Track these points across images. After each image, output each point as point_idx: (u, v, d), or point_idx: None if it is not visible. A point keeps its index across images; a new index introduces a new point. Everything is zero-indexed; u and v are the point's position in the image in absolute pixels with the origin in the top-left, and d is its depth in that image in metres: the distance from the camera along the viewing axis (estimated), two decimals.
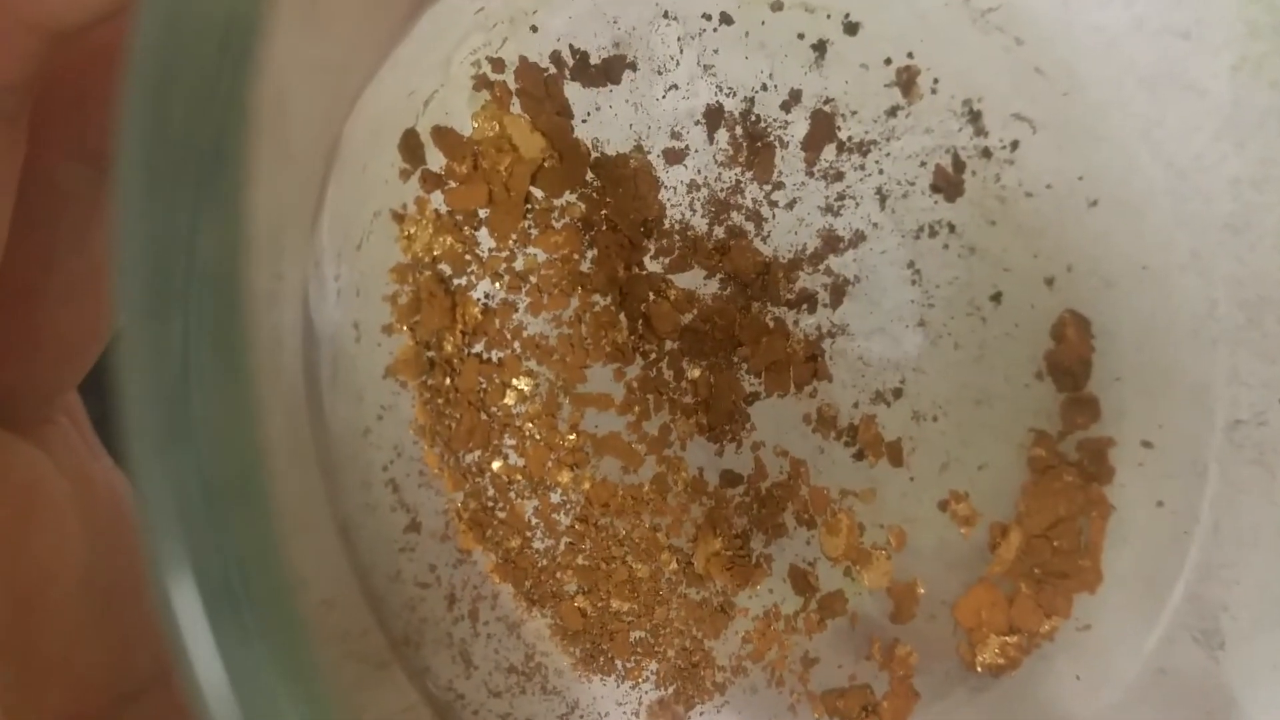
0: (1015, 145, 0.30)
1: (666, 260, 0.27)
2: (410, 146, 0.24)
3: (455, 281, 0.25)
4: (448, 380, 0.24)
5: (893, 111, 0.29)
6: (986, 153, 0.30)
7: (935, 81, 0.29)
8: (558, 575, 0.25)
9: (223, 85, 0.11)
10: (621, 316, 0.26)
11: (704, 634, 0.27)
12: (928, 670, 0.29)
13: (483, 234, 0.25)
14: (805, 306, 0.28)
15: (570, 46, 0.26)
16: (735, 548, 0.27)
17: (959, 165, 0.29)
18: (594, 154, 0.26)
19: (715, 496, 0.27)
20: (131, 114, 0.11)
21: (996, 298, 0.30)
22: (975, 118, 0.29)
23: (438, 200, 0.24)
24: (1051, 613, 0.29)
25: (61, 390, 0.18)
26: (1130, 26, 0.29)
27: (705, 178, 0.27)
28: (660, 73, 0.27)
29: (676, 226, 0.27)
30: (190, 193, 0.11)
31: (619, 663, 0.26)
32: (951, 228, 0.29)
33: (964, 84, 0.29)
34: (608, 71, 0.26)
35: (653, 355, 0.26)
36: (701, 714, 0.27)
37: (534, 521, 0.25)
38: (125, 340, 0.11)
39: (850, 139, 0.29)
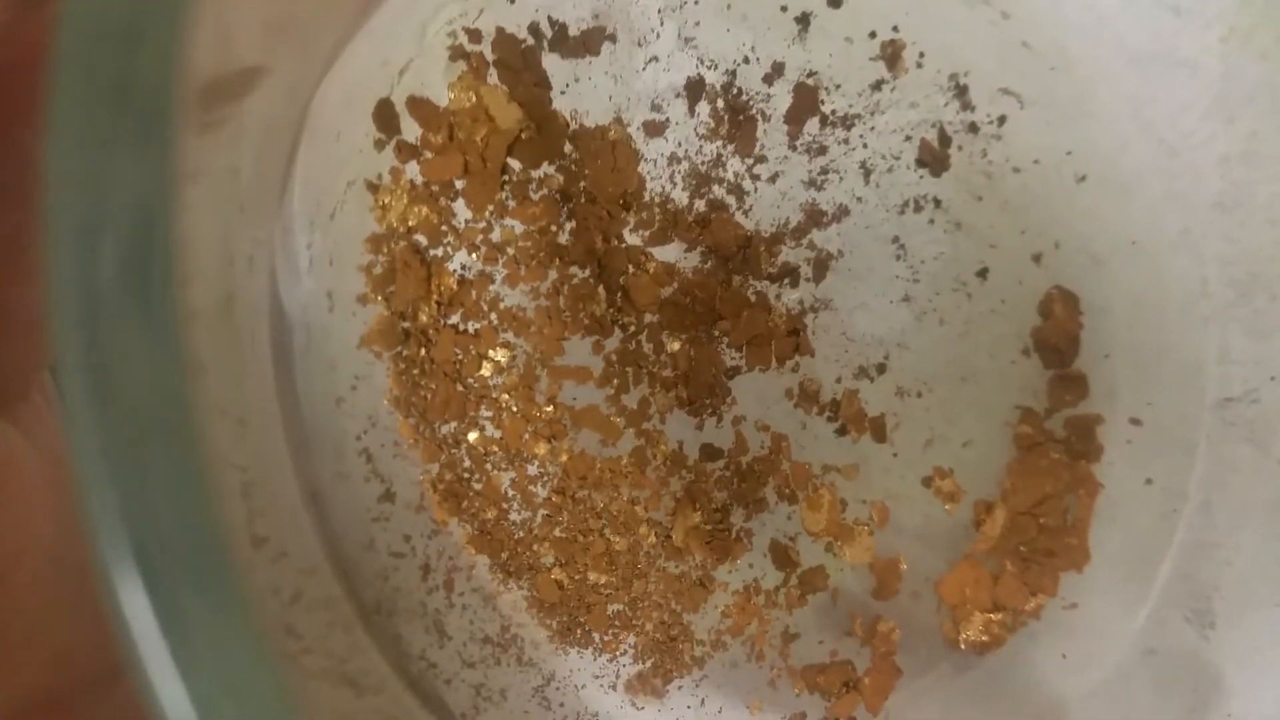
0: (1002, 120, 0.29)
1: (646, 233, 0.26)
2: (384, 116, 0.24)
3: (431, 253, 0.25)
4: (423, 351, 0.24)
5: (877, 85, 0.29)
6: (973, 128, 0.29)
7: (921, 55, 0.29)
8: (534, 547, 0.25)
9: (153, 34, 0.11)
10: (600, 289, 0.26)
11: (683, 607, 0.27)
12: (910, 648, 0.28)
13: (459, 205, 0.25)
14: (787, 280, 0.28)
15: (549, 18, 0.26)
16: (715, 521, 0.27)
17: (945, 140, 0.29)
18: (572, 125, 0.26)
19: (695, 470, 0.27)
20: (62, 60, 0.11)
21: (983, 273, 0.30)
22: (961, 92, 0.29)
23: (413, 171, 0.24)
24: (1037, 591, 0.29)
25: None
26: (1120, 1, 0.28)
27: (686, 150, 0.27)
28: (640, 44, 0.27)
29: (656, 199, 0.27)
30: (121, 140, 0.11)
31: (596, 635, 0.26)
32: (937, 203, 0.29)
33: (950, 58, 0.29)
34: (587, 43, 0.26)
35: (632, 328, 0.26)
36: (680, 688, 0.27)
37: (510, 493, 0.25)
38: (52, 281, 0.11)
39: (834, 113, 0.28)
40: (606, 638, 0.26)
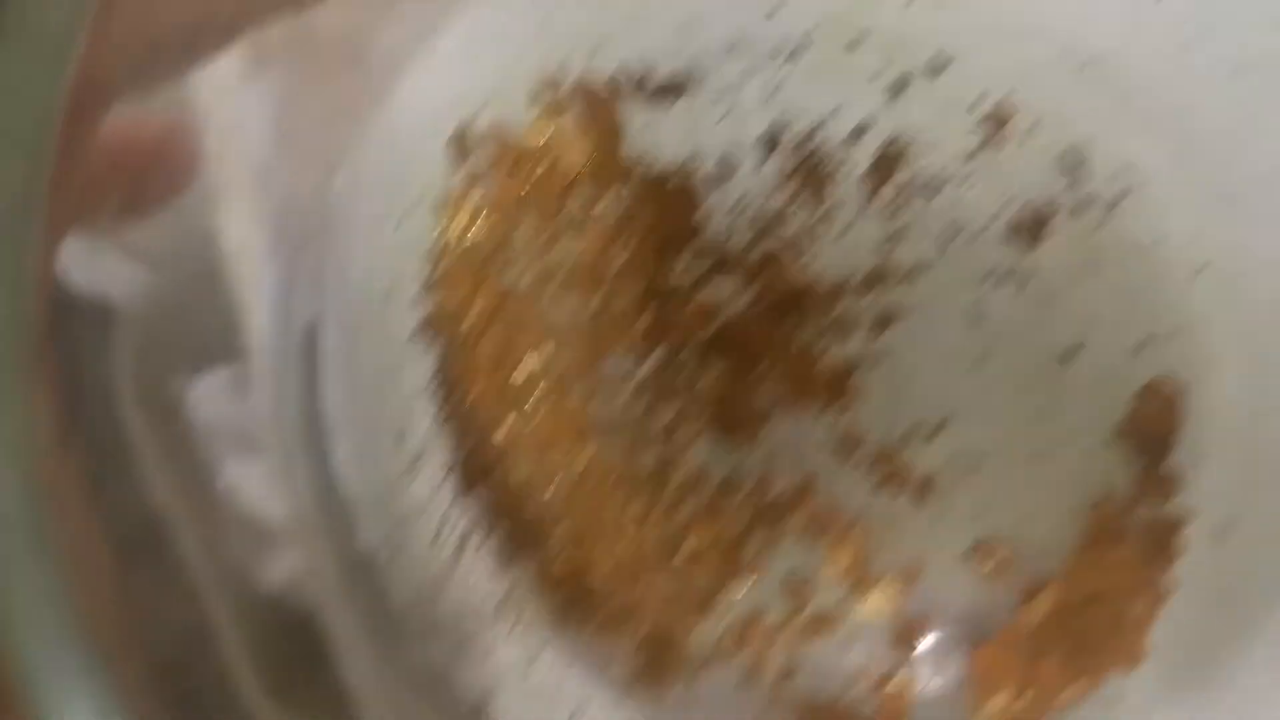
0: (1123, 194, 0.28)
1: (698, 274, 0.28)
2: (460, 140, 0.28)
3: (486, 267, 0.28)
4: (464, 347, 0.28)
5: (973, 154, 0.28)
6: (1087, 200, 0.28)
7: (1034, 123, 0.28)
8: (545, 527, 0.28)
9: None
10: (640, 319, 0.28)
11: (682, 620, 0.28)
12: (922, 714, 0.28)
13: (517, 233, 0.28)
14: (840, 335, 0.28)
15: (634, 63, 0.28)
16: (728, 541, 0.28)
17: (1046, 212, 0.28)
18: (637, 168, 0.28)
19: (716, 494, 0.28)
20: None
21: (1072, 353, 0.28)
22: (1078, 164, 0.28)
23: (477, 194, 0.28)
24: (1074, 681, 0.27)
25: None
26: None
27: (751, 200, 0.28)
28: (719, 101, 0.28)
29: (713, 246, 0.28)
30: None
31: (591, 624, 0.28)
32: (1031, 272, 0.28)
33: (1067, 130, 0.28)
34: (667, 90, 0.28)
35: (671, 354, 0.28)
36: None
37: (529, 481, 0.28)
38: None
39: (924, 170, 0.28)
40: (603, 629, 0.28)
